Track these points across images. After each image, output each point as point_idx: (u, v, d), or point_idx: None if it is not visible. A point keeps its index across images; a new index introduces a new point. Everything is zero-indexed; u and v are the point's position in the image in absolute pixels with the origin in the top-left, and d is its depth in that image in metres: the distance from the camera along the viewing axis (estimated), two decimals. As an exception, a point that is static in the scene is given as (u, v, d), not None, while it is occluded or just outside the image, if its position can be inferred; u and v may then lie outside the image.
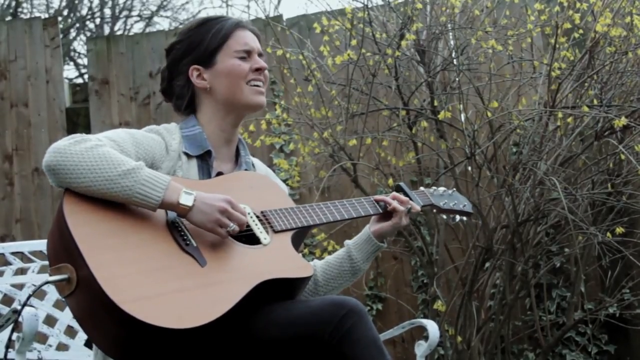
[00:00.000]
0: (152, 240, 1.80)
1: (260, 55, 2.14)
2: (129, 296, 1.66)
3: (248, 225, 1.93)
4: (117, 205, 1.81)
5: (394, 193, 2.20)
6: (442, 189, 2.36)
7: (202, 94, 2.11)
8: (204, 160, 2.06)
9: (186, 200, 1.82)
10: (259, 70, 2.10)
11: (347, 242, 2.21)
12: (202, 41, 2.09)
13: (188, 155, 2.04)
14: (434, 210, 2.35)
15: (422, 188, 2.34)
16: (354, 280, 2.22)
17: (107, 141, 1.88)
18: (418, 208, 2.20)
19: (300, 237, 2.08)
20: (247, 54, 2.10)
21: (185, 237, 1.83)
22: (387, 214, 2.17)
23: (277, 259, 1.91)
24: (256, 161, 2.25)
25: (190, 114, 2.13)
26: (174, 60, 2.13)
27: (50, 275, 1.76)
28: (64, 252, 1.74)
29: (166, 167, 1.99)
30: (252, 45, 2.12)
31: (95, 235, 1.75)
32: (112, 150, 1.83)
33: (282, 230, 1.98)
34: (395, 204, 2.15)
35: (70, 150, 1.79)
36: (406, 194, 2.21)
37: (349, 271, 2.18)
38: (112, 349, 1.76)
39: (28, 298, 1.81)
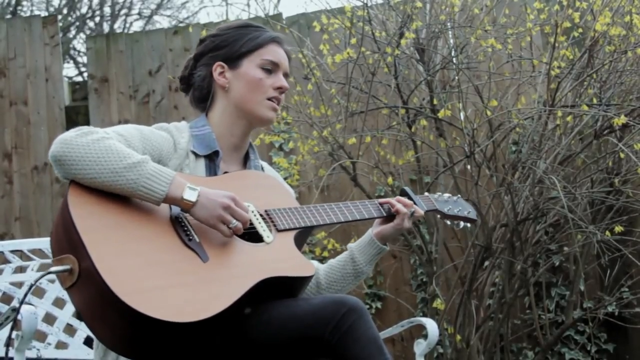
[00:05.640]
0: (155, 234, 1.81)
1: (286, 75, 2.15)
2: (130, 288, 1.66)
3: (251, 223, 1.93)
4: (121, 198, 1.82)
5: (399, 197, 2.21)
6: (447, 195, 2.38)
7: (219, 91, 2.12)
8: (212, 160, 2.06)
9: (190, 195, 1.83)
10: (280, 88, 2.12)
11: (349, 245, 2.22)
12: (235, 42, 2.11)
13: (196, 155, 2.05)
14: (438, 216, 2.36)
15: (426, 193, 2.36)
16: (357, 283, 2.23)
17: (115, 135, 1.89)
18: (422, 212, 2.22)
19: (303, 237, 2.08)
20: (273, 67, 2.12)
21: (188, 233, 1.84)
22: (390, 216, 2.18)
23: (279, 257, 1.92)
24: (265, 165, 2.26)
25: (203, 112, 2.15)
26: (203, 51, 2.15)
27: (53, 265, 1.77)
28: (67, 243, 1.75)
29: (173, 165, 2.00)
30: (282, 61, 2.13)
31: (98, 227, 1.75)
32: (118, 144, 1.84)
33: (285, 230, 1.99)
34: (399, 206, 2.16)
35: (77, 141, 1.80)
36: (410, 198, 2.23)
37: (352, 274, 2.19)
38: (113, 342, 1.76)
39: (30, 288, 1.81)
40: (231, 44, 2.11)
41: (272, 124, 2.19)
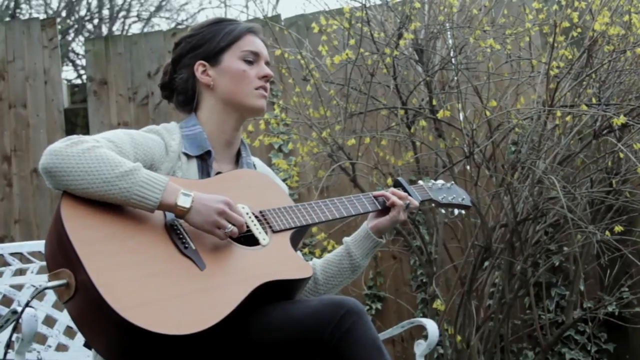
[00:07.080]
0: (150, 244, 1.79)
1: (267, 64, 2.16)
2: (128, 302, 1.65)
3: (247, 226, 1.92)
4: (115, 207, 1.80)
5: (393, 189, 2.20)
6: (440, 182, 2.36)
7: (205, 90, 2.12)
8: (204, 160, 2.05)
9: (184, 201, 1.81)
10: (265, 77, 2.13)
11: (345, 239, 2.21)
12: (212, 38, 2.11)
13: (188, 156, 2.04)
14: (433, 205, 2.34)
15: (420, 182, 2.34)
16: (354, 277, 2.22)
17: (105, 142, 1.87)
18: (416, 203, 2.21)
19: (300, 236, 2.08)
20: (254, 57, 2.12)
21: (184, 240, 1.82)
22: (385, 209, 2.18)
23: (276, 260, 1.91)
24: (257, 161, 2.25)
25: (191, 112, 2.14)
26: (180, 53, 2.14)
27: (49, 280, 1.75)
28: (62, 256, 1.73)
29: (165, 168, 1.98)
30: (261, 50, 2.15)
31: (93, 239, 1.73)
32: (109, 152, 1.82)
33: (281, 230, 1.98)
34: (394, 198, 2.16)
35: (67, 152, 1.78)
36: (405, 190, 2.22)
37: (348, 268, 2.18)
38: (111, 354, 1.75)
39: (27, 303, 1.79)
40: (208, 41, 2.11)
41: (263, 112, 2.18)
